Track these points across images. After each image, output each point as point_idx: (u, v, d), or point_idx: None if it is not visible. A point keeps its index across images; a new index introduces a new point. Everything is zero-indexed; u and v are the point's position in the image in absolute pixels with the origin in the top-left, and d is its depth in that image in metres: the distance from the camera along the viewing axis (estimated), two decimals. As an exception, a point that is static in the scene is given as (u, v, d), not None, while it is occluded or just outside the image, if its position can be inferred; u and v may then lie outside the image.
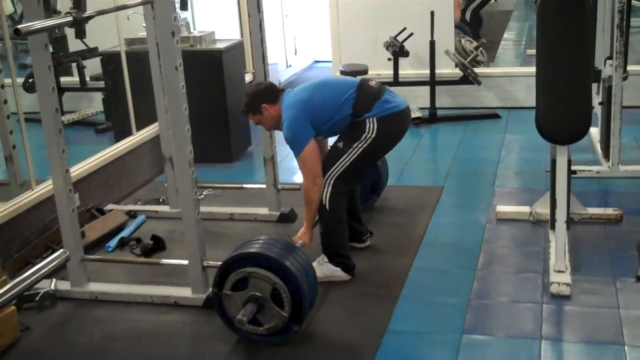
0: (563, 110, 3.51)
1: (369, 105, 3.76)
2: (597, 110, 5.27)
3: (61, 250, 2.33)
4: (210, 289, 3.39)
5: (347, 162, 3.76)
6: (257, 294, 3.21)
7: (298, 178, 5.26)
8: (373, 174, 4.58)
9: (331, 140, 4.03)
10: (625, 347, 3.13)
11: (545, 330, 3.30)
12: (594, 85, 4.82)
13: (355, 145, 3.76)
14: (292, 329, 3.25)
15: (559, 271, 3.64)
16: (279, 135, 4.56)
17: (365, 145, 3.75)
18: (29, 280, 2.19)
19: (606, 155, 5.14)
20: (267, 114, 3.87)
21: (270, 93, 3.88)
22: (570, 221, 3.93)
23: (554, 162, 3.75)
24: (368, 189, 4.64)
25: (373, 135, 3.74)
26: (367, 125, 3.74)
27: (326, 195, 3.75)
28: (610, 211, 4.37)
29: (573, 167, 4.09)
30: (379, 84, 3.90)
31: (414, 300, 3.64)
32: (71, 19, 3.31)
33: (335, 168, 3.76)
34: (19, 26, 3.07)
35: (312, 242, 3.86)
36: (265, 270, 3.19)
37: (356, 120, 3.76)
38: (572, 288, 3.56)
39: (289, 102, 3.80)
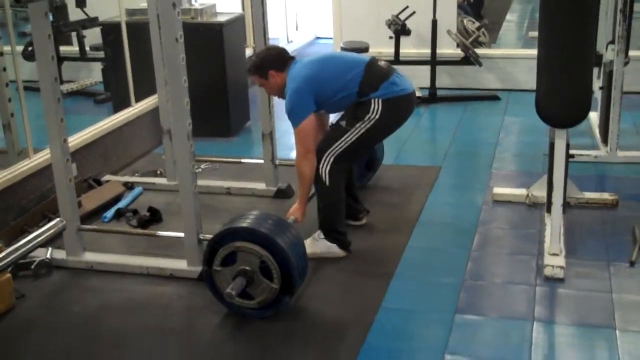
0: (563, 94, 3.51)
1: (376, 85, 3.74)
2: (597, 94, 5.26)
3: (58, 219, 2.34)
4: (205, 263, 3.40)
5: (348, 141, 3.75)
6: (246, 267, 3.22)
7: (294, 154, 5.27)
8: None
9: (333, 118, 4.03)
10: (617, 331, 3.15)
11: (538, 312, 3.31)
12: (595, 70, 4.81)
13: (358, 125, 3.75)
14: (284, 300, 3.27)
15: (554, 254, 3.65)
16: (277, 111, 4.58)
17: (368, 126, 3.74)
18: (25, 248, 2.20)
19: (604, 140, 5.15)
20: (273, 81, 3.84)
21: (280, 60, 3.85)
22: (566, 205, 3.94)
23: (552, 146, 3.75)
24: (363, 166, 4.64)
25: (377, 117, 3.73)
26: (372, 105, 3.73)
27: (325, 171, 3.75)
28: (606, 196, 4.38)
29: (571, 151, 4.09)
30: (388, 65, 3.88)
31: (408, 278, 3.66)
32: (72, -13, 3.29)
33: (337, 146, 3.75)
34: (20, -7, 3.05)
35: (304, 218, 3.85)
36: (252, 243, 3.21)
37: (361, 100, 3.75)
38: (566, 271, 3.58)
39: (295, 74, 3.77)
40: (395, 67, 3.93)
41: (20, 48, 5.69)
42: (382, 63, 3.86)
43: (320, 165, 3.75)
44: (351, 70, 3.76)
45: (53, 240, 3.40)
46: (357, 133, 3.75)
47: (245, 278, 3.23)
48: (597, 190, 4.53)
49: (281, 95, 3.89)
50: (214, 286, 3.33)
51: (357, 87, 3.74)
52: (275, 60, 3.85)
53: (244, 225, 3.28)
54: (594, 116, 5.58)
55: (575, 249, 3.85)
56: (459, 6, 7.44)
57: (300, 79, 3.74)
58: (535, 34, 8.73)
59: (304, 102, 3.71)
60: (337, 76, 3.77)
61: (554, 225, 3.68)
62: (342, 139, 3.76)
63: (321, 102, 3.76)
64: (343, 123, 3.81)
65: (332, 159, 3.75)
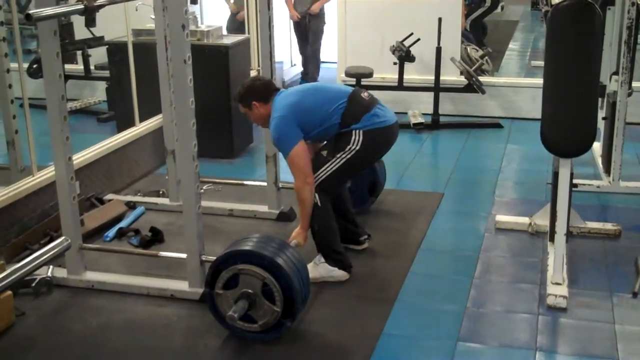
0: (569, 123, 3.52)
1: (358, 116, 3.77)
2: (600, 125, 5.27)
3: (62, 237, 2.32)
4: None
5: (329, 170, 3.78)
6: (249, 290, 3.21)
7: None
8: (370, 175, 4.58)
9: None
10: (619, 362, 3.14)
11: (540, 341, 3.30)
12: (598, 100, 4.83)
13: (338, 155, 3.78)
14: (285, 324, 3.25)
15: (556, 283, 3.65)
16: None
17: (348, 156, 3.77)
18: (29, 266, 2.18)
19: (607, 170, 5.15)
20: (256, 111, 3.88)
21: (264, 91, 3.89)
22: (569, 234, 3.93)
23: (556, 175, 3.75)
24: (366, 191, 4.64)
25: (357, 148, 3.76)
26: (353, 137, 3.76)
27: (315, 195, 3.77)
28: (609, 226, 4.38)
29: (574, 181, 4.09)
30: (371, 96, 3.92)
31: (409, 305, 3.64)
32: (82, 7, 3.32)
33: (318, 174, 3.78)
34: (31, 11, 3.07)
35: (307, 242, 3.85)
36: (254, 266, 3.20)
37: (342, 131, 3.78)
38: (569, 301, 3.57)
39: (279, 104, 3.81)
40: (378, 98, 3.96)
41: (25, 65, 5.70)
42: (365, 94, 3.90)
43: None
44: (335, 102, 3.80)
45: (54, 259, 3.37)
46: (337, 163, 3.78)
47: (247, 301, 3.22)
48: (599, 220, 4.53)
49: (265, 124, 3.95)
50: (216, 309, 3.32)
51: (339, 118, 3.77)
52: (260, 92, 3.88)
53: (247, 247, 3.28)
54: (596, 146, 5.58)
55: (577, 278, 3.84)
56: (462, 34, 7.48)
57: (283, 107, 3.77)
58: (538, 63, 8.84)
59: (290, 130, 3.73)
60: (320, 106, 3.80)
61: (557, 255, 3.67)
62: (323, 168, 3.78)
63: (306, 131, 3.78)
64: (324, 152, 3.85)
65: (318, 185, 3.77)
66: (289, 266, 3.22)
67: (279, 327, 3.26)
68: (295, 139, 3.72)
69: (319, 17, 8.27)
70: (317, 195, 3.77)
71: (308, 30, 8.32)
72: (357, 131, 3.76)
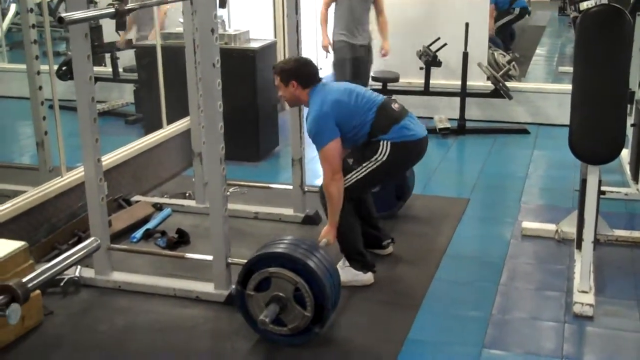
0: (597, 130, 3.50)
1: (387, 127, 3.76)
2: (628, 132, 5.22)
3: (92, 238, 2.34)
4: (234, 286, 3.40)
5: (353, 179, 3.78)
6: (280, 294, 3.22)
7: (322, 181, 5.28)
8: (399, 179, 4.57)
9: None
10: (647, 372, 3.11)
11: (567, 350, 3.28)
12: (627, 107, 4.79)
13: (364, 165, 3.77)
14: (314, 330, 3.26)
15: (583, 291, 3.62)
16: (307, 137, 4.58)
17: (374, 166, 3.76)
18: (59, 266, 2.19)
19: (635, 177, 5.10)
20: (292, 90, 3.85)
21: (309, 78, 3.85)
22: (596, 242, 3.91)
23: (584, 182, 3.73)
24: (393, 196, 4.63)
25: (384, 159, 3.75)
26: (381, 147, 3.75)
27: None
28: (637, 234, 4.34)
29: (602, 188, 4.06)
30: (401, 108, 3.89)
31: (435, 310, 3.64)
32: (113, 10, 3.35)
33: (344, 181, 3.77)
34: (62, 15, 3.11)
35: (336, 241, 3.84)
36: (288, 270, 3.21)
37: (371, 140, 3.77)
38: (595, 309, 3.54)
39: (323, 97, 3.78)
40: (409, 111, 3.93)
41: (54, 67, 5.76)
42: (395, 105, 3.87)
43: None
44: (369, 109, 3.79)
45: (83, 259, 3.41)
46: (362, 172, 3.77)
47: (278, 305, 3.22)
48: (627, 228, 4.49)
49: (292, 104, 4.02)
50: (246, 309, 3.33)
51: (369, 128, 3.76)
52: (304, 75, 3.85)
53: (281, 250, 3.27)
54: (624, 153, 5.53)
55: (604, 287, 3.81)
56: (490, 39, 7.45)
57: (327, 102, 3.75)
58: (565, 68, 8.78)
59: (329, 125, 3.72)
60: (356, 111, 3.78)
61: (584, 262, 3.65)
62: (348, 176, 3.78)
63: (341, 134, 3.76)
64: (350, 161, 3.85)
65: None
66: (322, 271, 3.23)
67: (307, 331, 3.27)
68: (333, 135, 3.71)
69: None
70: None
71: (363, 65, 6.49)
72: (385, 142, 3.75)
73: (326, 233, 3.81)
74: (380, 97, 3.90)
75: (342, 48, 6.32)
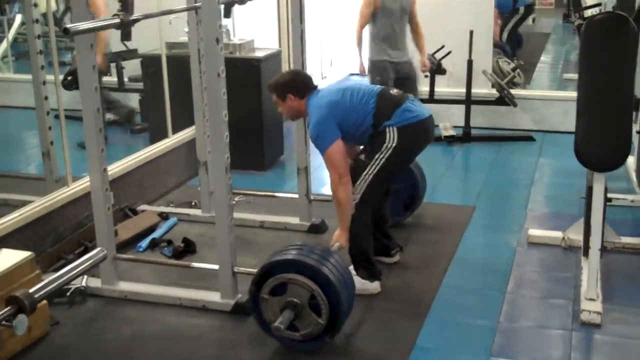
0: (603, 137, 3.49)
1: (389, 113, 3.74)
2: (634, 139, 5.21)
3: (98, 249, 2.34)
4: (246, 293, 3.40)
5: (370, 174, 3.74)
6: (295, 300, 3.21)
7: (327, 190, 5.27)
8: (410, 189, 4.56)
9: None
10: (655, 379, 3.10)
11: (574, 358, 3.27)
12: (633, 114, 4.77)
13: (377, 157, 3.74)
14: (324, 338, 3.25)
15: (590, 299, 3.61)
16: (313, 146, 4.59)
17: (387, 155, 3.73)
18: (66, 277, 2.20)
19: (641, 184, 5.09)
20: (289, 104, 3.88)
21: (302, 87, 3.88)
22: (603, 249, 3.89)
23: (590, 189, 3.72)
24: (401, 205, 4.62)
25: (394, 145, 3.72)
26: (387, 135, 3.73)
27: (355, 203, 3.75)
28: (644, 241, 4.33)
29: (608, 195, 4.05)
30: (400, 92, 3.89)
31: (442, 318, 3.63)
32: (118, 21, 3.36)
33: (362, 179, 3.75)
34: (68, 26, 3.12)
35: (348, 244, 3.82)
36: (306, 278, 3.19)
37: (377, 131, 3.76)
38: (603, 317, 3.52)
39: (318, 102, 3.80)
40: (412, 96, 3.93)
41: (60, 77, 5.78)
42: (394, 91, 3.88)
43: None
44: (366, 103, 3.78)
45: (90, 269, 3.42)
46: (377, 165, 3.74)
47: (293, 311, 3.21)
48: (634, 235, 4.47)
49: (293, 118, 4.04)
50: (259, 312, 3.31)
51: (372, 119, 3.75)
52: (299, 87, 3.88)
53: (303, 259, 3.25)
54: (630, 160, 5.51)
55: (612, 294, 3.79)
56: (497, 45, 7.42)
57: (323, 105, 3.77)
58: (570, 75, 8.77)
59: (329, 128, 3.73)
60: (355, 106, 3.78)
61: (591, 270, 3.64)
62: (365, 173, 3.75)
63: (343, 131, 3.76)
64: (362, 157, 3.83)
65: (361, 192, 3.75)
66: (339, 282, 3.22)
67: (318, 339, 3.26)
68: (334, 137, 3.71)
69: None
70: (354, 205, 3.75)
71: (409, 83, 5.91)
72: (391, 128, 3.72)
73: (338, 237, 3.79)
74: (377, 87, 3.90)
75: (385, 68, 5.84)
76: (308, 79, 3.96)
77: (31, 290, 2.01)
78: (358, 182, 3.76)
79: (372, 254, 3.89)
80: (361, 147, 4.00)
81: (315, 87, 3.93)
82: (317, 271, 3.20)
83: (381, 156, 3.74)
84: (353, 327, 3.53)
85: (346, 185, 3.72)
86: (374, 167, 3.75)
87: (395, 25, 5.84)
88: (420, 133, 3.84)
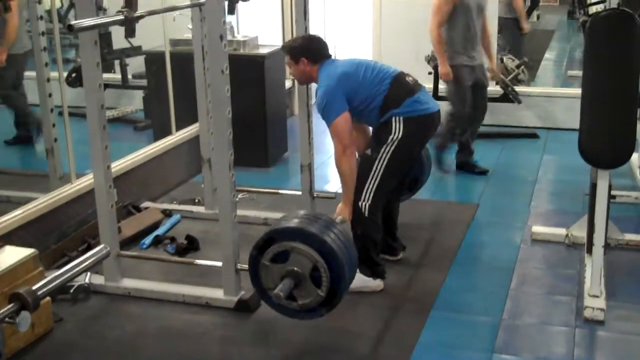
0: (607, 134, 3.49)
1: (399, 100, 3.72)
2: (639, 136, 5.19)
3: (101, 246, 2.34)
4: (250, 290, 3.38)
5: (380, 169, 3.73)
6: (297, 269, 3.16)
7: (331, 187, 5.28)
8: (416, 169, 4.36)
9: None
10: (659, 377, 3.10)
11: (578, 354, 3.26)
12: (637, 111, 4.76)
13: (383, 150, 3.72)
14: (320, 311, 3.23)
15: (594, 296, 3.60)
16: (316, 143, 4.60)
17: (393, 147, 3.71)
18: (69, 274, 2.20)
19: (646, 181, 5.09)
20: (302, 68, 3.86)
21: (316, 53, 3.86)
22: (606, 246, 3.89)
23: (594, 186, 3.72)
24: (406, 186, 4.42)
25: (400, 136, 3.71)
26: (393, 125, 3.71)
27: (366, 205, 3.73)
28: (647, 238, 4.32)
29: (612, 192, 4.05)
30: (415, 81, 3.86)
31: (445, 315, 3.63)
32: (122, 17, 3.36)
33: (371, 179, 3.73)
34: (72, 22, 3.12)
35: (351, 217, 3.78)
36: (311, 249, 3.13)
37: (383, 119, 3.74)
38: (606, 314, 3.52)
39: (330, 71, 3.78)
40: (423, 85, 3.90)
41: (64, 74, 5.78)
42: (409, 79, 3.84)
43: (361, 201, 3.73)
44: (381, 82, 3.76)
45: (93, 266, 3.42)
46: (384, 159, 3.72)
47: (293, 280, 3.16)
48: (637, 232, 4.46)
49: (302, 82, 4.02)
50: (258, 278, 3.27)
51: (381, 101, 3.73)
52: (313, 51, 3.86)
53: (310, 229, 3.19)
54: (635, 157, 5.50)
55: (615, 291, 3.78)
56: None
57: (333, 76, 3.75)
58: (574, 72, 8.74)
59: (337, 98, 3.70)
60: (368, 83, 3.76)
61: (594, 267, 3.63)
62: (373, 169, 3.73)
63: (351, 105, 3.74)
64: (369, 151, 3.81)
65: (371, 195, 3.73)
66: (344, 257, 3.17)
67: (314, 311, 3.23)
68: (341, 108, 3.69)
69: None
70: (366, 206, 3.72)
71: (482, 91, 5.60)
72: (397, 118, 3.71)
73: (341, 211, 3.77)
74: (394, 70, 3.86)
75: (464, 74, 5.40)
76: (324, 46, 3.92)
77: (34, 287, 2.01)
78: (366, 188, 3.72)
79: (378, 255, 3.88)
80: (365, 124, 3.97)
81: (330, 55, 3.90)
82: (323, 243, 3.14)
83: (387, 148, 3.71)
84: (356, 324, 3.53)
85: (350, 157, 3.70)
86: (382, 161, 3.72)
87: (471, 25, 5.36)
88: (426, 125, 3.83)
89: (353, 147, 3.72)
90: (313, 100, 4.23)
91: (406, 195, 4.57)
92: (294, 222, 3.28)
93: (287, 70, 6.83)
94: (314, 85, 3.98)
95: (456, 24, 5.34)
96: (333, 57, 3.92)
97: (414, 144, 3.84)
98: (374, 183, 3.73)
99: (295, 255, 3.17)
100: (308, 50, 3.86)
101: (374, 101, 3.74)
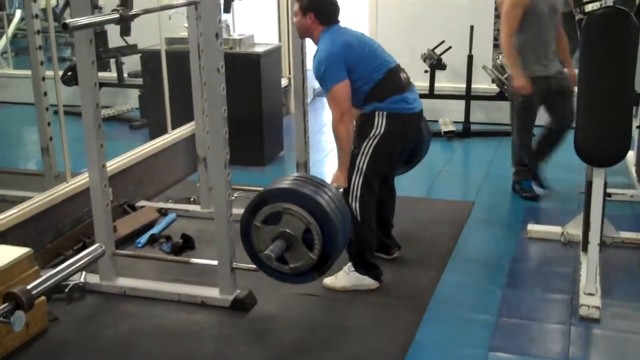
0: (603, 132, 3.49)
1: (384, 95, 3.70)
2: (634, 134, 5.21)
3: (97, 244, 2.34)
4: (245, 288, 3.39)
5: (363, 165, 3.71)
6: (289, 231, 3.13)
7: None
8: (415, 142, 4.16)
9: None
10: (654, 374, 3.10)
11: (573, 352, 3.27)
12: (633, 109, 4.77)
13: (365, 144, 3.71)
14: (312, 275, 3.21)
15: (589, 294, 3.60)
16: (312, 141, 4.59)
17: (374, 142, 3.70)
18: (64, 273, 2.20)
19: (641, 179, 5.09)
20: (307, 22, 3.78)
21: (328, 15, 3.78)
22: (602, 244, 3.89)
23: (589, 184, 3.72)
24: (403, 160, 4.28)
25: (381, 132, 3.70)
26: (376, 120, 3.70)
27: (356, 207, 3.72)
28: (643, 236, 4.33)
29: (607, 190, 4.05)
30: (407, 79, 3.84)
31: (441, 313, 3.63)
32: (118, 16, 3.35)
33: (356, 176, 3.72)
34: (67, 21, 3.11)
35: (347, 184, 3.75)
36: (304, 210, 3.10)
37: (365, 111, 3.73)
38: (602, 312, 3.52)
39: (334, 38, 3.72)
40: (414, 84, 3.89)
41: (59, 73, 5.78)
42: (403, 75, 3.82)
43: (351, 202, 3.72)
44: (377, 69, 3.73)
45: (88, 265, 3.42)
46: (367, 153, 3.71)
47: (285, 242, 3.13)
48: (633, 230, 4.46)
49: (303, 36, 3.95)
50: (249, 240, 3.24)
51: (369, 88, 3.71)
52: (325, 12, 3.78)
53: (304, 191, 3.15)
54: (630, 155, 5.51)
55: (610, 289, 3.79)
56: None
57: (338, 43, 3.69)
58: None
59: (338, 66, 3.65)
60: (367, 65, 3.72)
61: (590, 265, 3.64)
62: (357, 165, 3.72)
63: None
64: (351, 146, 3.79)
65: (358, 192, 3.72)
66: (338, 221, 3.13)
67: (306, 275, 3.21)
68: (341, 76, 3.64)
69: None
70: (357, 208, 3.71)
71: (562, 101, 5.02)
72: (381, 113, 3.70)
73: (337, 178, 3.74)
74: (393, 61, 3.82)
75: (538, 85, 4.89)
76: (336, 11, 3.84)
77: (29, 287, 2.00)
78: (351, 190, 3.71)
79: (374, 257, 3.88)
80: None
81: (339, 21, 3.84)
82: (316, 205, 3.11)
83: (369, 143, 3.70)
84: (351, 323, 3.53)
85: (348, 123, 3.66)
86: (364, 155, 3.71)
87: (544, 31, 4.88)
88: (407, 123, 3.81)
89: (351, 113, 3.68)
90: (309, 99, 4.22)
91: (404, 169, 4.39)
92: (286, 184, 3.24)
93: (283, 68, 6.90)
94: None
95: (526, 32, 4.85)
96: (340, 25, 3.84)
97: (396, 141, 3.82)
98: (359, 179, 3.72)
99: (287, 216, 3.13)
100: (320, 9, 3.77)
101: (365, 85, 3.71)
